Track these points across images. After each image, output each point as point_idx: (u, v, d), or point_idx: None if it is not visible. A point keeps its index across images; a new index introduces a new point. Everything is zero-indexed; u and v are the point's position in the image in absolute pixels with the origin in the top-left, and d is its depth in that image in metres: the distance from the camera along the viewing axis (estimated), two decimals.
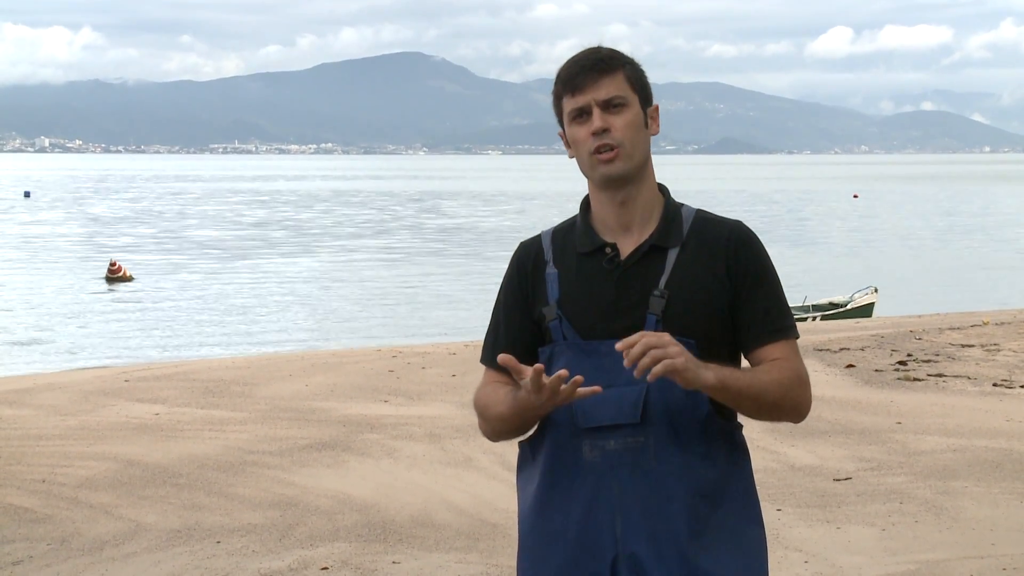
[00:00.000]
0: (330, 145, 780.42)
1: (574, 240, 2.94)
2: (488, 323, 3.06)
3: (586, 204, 2.97)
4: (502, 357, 2.75)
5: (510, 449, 8.46)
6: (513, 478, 3.16)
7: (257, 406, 10.74)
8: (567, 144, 2.94)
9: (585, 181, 2.95)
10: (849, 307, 24.83)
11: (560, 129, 2.96)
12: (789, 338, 2.89)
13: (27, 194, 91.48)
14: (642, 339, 2.66)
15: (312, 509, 7.41)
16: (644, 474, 2.82)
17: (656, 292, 2.84)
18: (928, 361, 12.56)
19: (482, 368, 3.04)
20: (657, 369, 2.64)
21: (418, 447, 9.00)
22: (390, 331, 24.26)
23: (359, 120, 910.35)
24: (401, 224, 60.02)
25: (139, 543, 6.78)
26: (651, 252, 2.88)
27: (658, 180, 2.99)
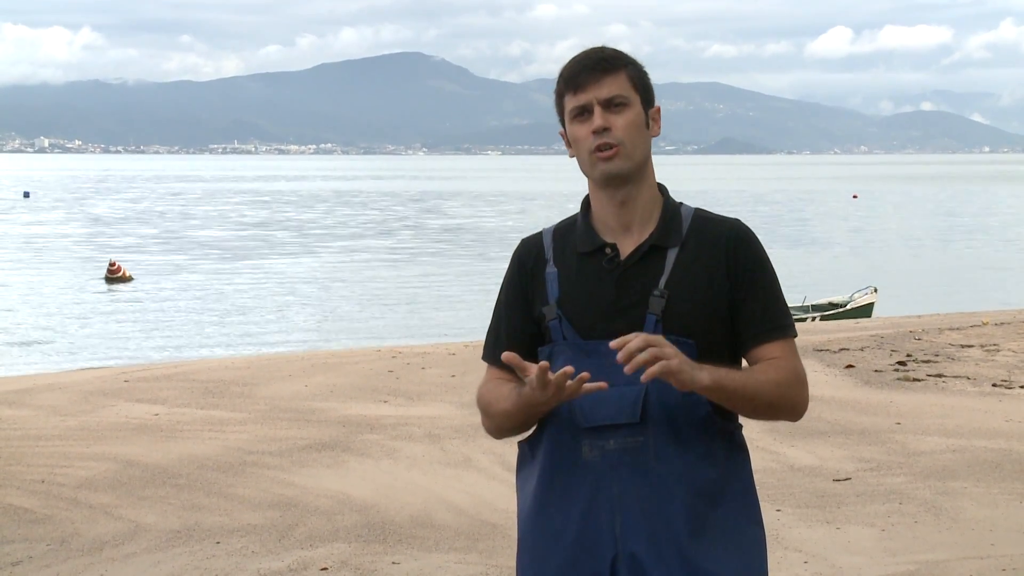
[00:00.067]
0: (330, 145, 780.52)
1: (574, 239, 2.94)
2: (489, 320, 3.06)
3: (587, 204, 2.98)
4: (506, 355, 2.75)
5: (509, 449, 8.45)
6: (512, 478, 3.16)
7: (257, 406, 10.74)
8: (568, 143, 2.94)
9: (586, 181, 2.96)
10: (849, 307, 24.83)
11: (561, 128, 2.96)
12: (787, 337, 2.89)
13: (26, 194, 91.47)
14: (640, 336, 2.67)
15: (312, 509, 7.41)
16: (644, 474, 2.82)
17: (656, 292, 2.84)
18: (928, 361, 12.56)
19: (482, 367, 3.04)
20: (652, 370, 2.64)
21: (418, 447, 9.00)
22: (390, 331, 24.27)
23: (359, 120, 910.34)
24: (401, 224, 60.02)
25: (139, 543, 6.78)
26: (651, 252, 2.88)
27: (657, 180, 2.99)
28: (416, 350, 15.35)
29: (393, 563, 6.39)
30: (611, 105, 2.86)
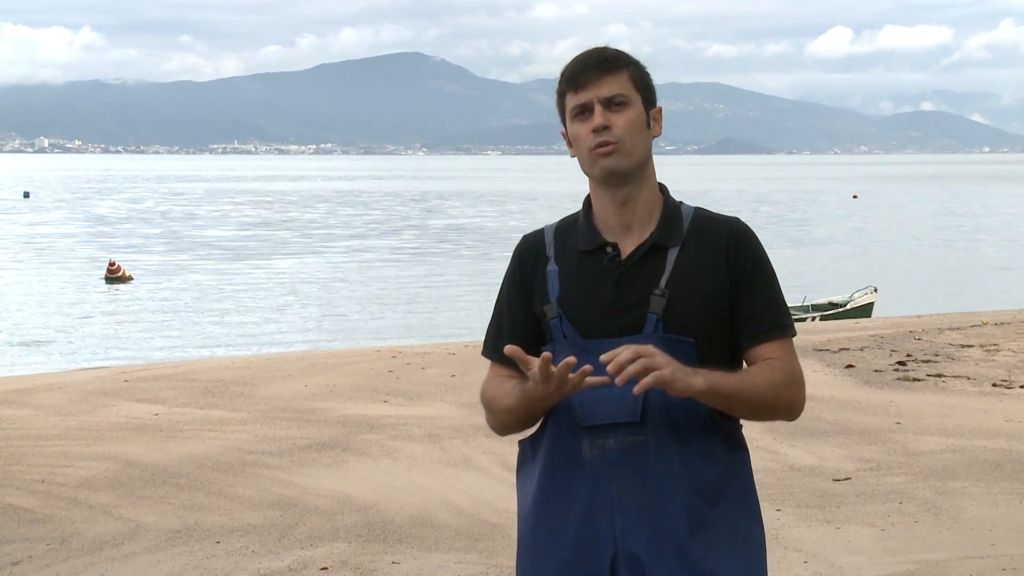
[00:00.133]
0: (329, 145, 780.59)
1: (575, 237, 2.94)
2: (490, 317, 3.06)
3: (588, 203, 2.98)
4: (509, 348, 2.74)
5: (509, 449, 8.44)
6: (512, 478, 3.16)
7: (257, 406, 10.74)
8: (569, 143, 2.94)
9: (587, 182, 2.96)
10: (848, 307, 24.82)
11: (563, 127, 2.96)
12: (786, 336, 2.89)
13: (26, 194, 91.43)
14: (629, 348, 2.67)
15: (312, 509, 7.41)
16: (644, 473, 2.82)
17: (657, 291, 2.84)
18: (927, 361, 12.56)
19: (482, 367, 3.04)
20: (645, 381, 2.65)
21: (418, 447, 9.00)
22: (390, 331, 24.27)
23: (358, 120, 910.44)
24: (402, 224, 60.01)
25: (138, 543, 6.78)
26: (651, 251, 2.88)
27: (658, 180, 2.99)
28: (416, 350, 15.35)
29: (393, 563, 6.39)
30: (612, 104, 2.86)
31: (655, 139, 2.96)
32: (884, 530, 6.80)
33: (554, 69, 2.98)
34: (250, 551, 6.61)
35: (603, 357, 2.67)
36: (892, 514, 7.09)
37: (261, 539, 6.82)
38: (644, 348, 2.68)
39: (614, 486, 2.83)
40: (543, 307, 2.92)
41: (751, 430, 2.97)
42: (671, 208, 2.94)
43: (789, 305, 3.00)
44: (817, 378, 11.59)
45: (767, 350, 2.87)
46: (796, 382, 2.87)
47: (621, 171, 2.87)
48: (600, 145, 2.85)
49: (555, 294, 2.91)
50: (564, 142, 2.97)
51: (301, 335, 23.88)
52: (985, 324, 15.93)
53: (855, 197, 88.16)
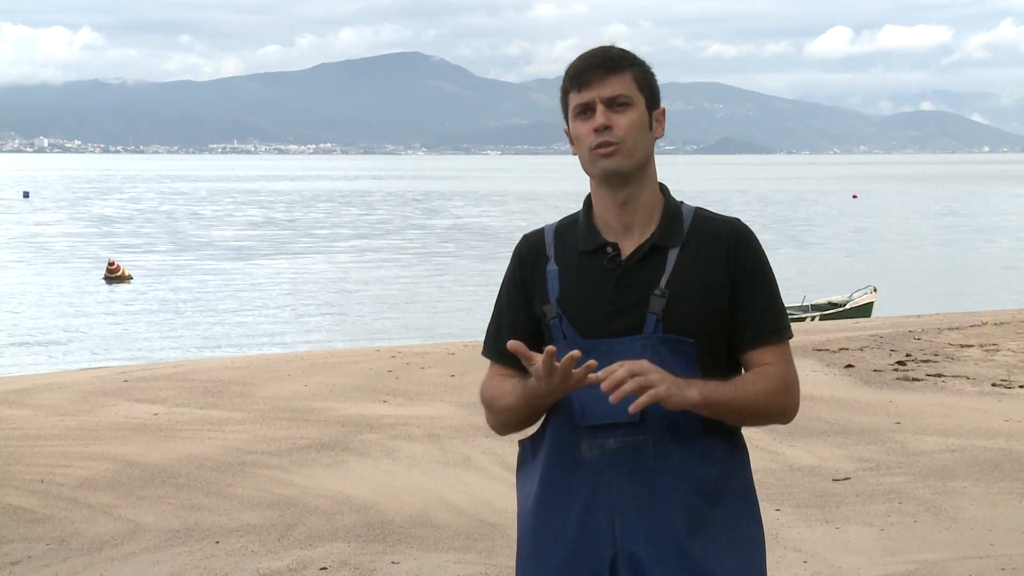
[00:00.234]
0: (329, 145, 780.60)
1: (576, 237, 2.94)
2: (490, 317, 3.06)
3: (588, 202, 2.98)
4: (512, 344, 2.73)
5: (509, 449, 8.45)
6: (512, 478, 3.16)
7: (256, 406, 10.74)
8: (571, 141, 2.94)
9: (588, 180, 2.96)
10: (848, 307, 24.82)
11: (566, 125, 2.96)
12: (783, 339, 2.90)
13: (26, 194, 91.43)
14: (623, 366, 2.67)
15: (311, 509, 7.41)
16: (643, 473, 2.82)
17: (657, 292, 2.84)
18: (927, 361, 12.56)
19: (481, 367, 3.04)
20: (641, 400, 2.66)
21: (417, 447, 9.00)
22: (389, 331, 24.27)
23: (358, 120, 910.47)
24: (401, 224, 60.01)
25: (138, 543, 6.78)
26: (652, 252, 2.88)
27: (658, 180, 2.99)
28: (415, 350, 15.35)
29: (392, 563, 6.39)
30: (614, 104, 2.86)
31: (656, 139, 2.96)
32: (883, 530, 6.80)
33: (554, 69, 3.00)
34: (249, 551, 6.61)
35: (599, 374, 2.68)
36: (891, 514, 7.09)
37: (260, 539, 6.82)
38: (639, 365, 2.68)
39: (614, 486, 2.83)
40: (543, 307, 2.91)
41: (750, 430, 2.97)
42: (672, 208, 2.94)
43: (789, 305, 3.00)
44: (817, 378, 11.59)
45: (763, 354, 2.87)
46: (790, 388, 2.88)
47: (622, 172, 2.87)
48: (601, 145, 2.85)
49: (555, 294, 2.91)
50: (564, 142, 2.97)
51: (301, 335, 23.88)
52: (985, 324, 15.93)
53: (855, 197, 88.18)
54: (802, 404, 8.09)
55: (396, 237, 50.77)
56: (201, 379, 12.33)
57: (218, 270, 36.33)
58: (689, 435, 2.84)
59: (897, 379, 11.56)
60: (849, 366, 12.36)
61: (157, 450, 8.97)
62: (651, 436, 2.82)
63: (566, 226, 2.99)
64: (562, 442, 2.88)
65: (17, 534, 7.00)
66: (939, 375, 11.71)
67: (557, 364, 2.69)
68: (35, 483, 8.09)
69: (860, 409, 10.16)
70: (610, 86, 2.86)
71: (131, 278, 32.91)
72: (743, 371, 2.91)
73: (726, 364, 2.88)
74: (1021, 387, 11.11)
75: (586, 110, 2.87)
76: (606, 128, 2.85)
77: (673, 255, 2.87)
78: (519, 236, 3.08)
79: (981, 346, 13.61)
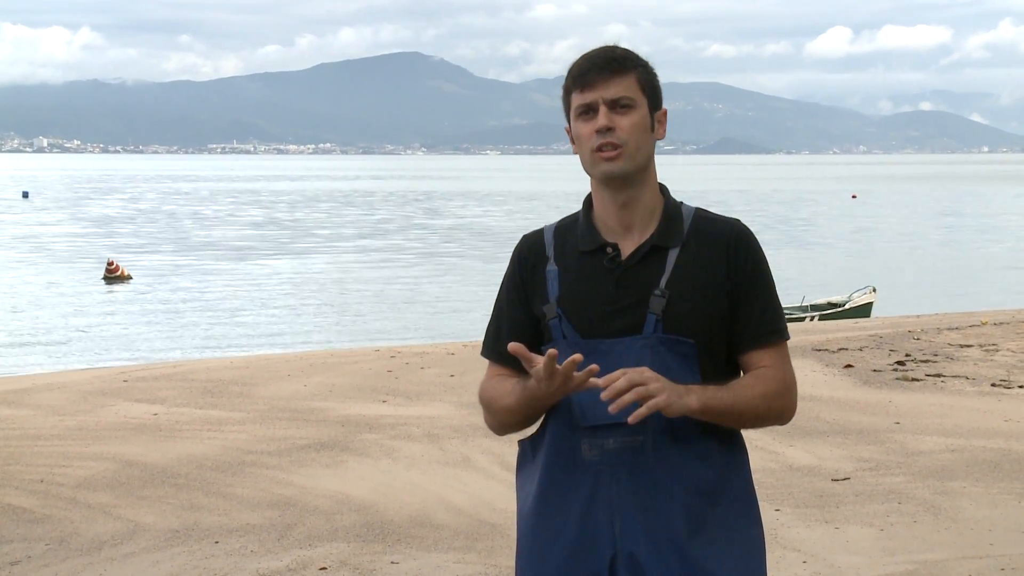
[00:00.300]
0: (328, 145, 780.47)
1: (576, 237, 2.94)
2: (490, 317, 3.06)
3: (589, 202, 2.98)
4: (513, 346, 2.73)
5: (508, 449, 8.45)
6: (512, 478, 3.17)
7: (256, 406, 10.74)
8: (572, 139, 2.94)
9: (588, 180, 2.96)
10: (847, 307, 24.81)
11: (567, 124, 2.96)
12: (781, 340, 2.91)
13: (25, 194, 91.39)
14: (625, 375, 2.67)
15: (311, 509, 7.41)
16: (643, 473, 2.82)
17: (657, 292, 2.84)
18: (926, 361, 12.57)
19: (481, 367, 3.04)
20: (640, 412, 2.67)
21: (417, 447, 9.00)
22: (389, 331, 24.26)
23: (357, 120, 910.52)
24: (401, 224, 60.00)
25: (137, 543, 6.78)
26: (652, 252, 2.88)
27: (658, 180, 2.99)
28: (415, 350, 15.35)
29: (392, 563, 6.39)
30: (617, 106, 2.86)
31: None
32: (883, 530, 6.80)
33: (553, 69, 3.01)
34: (249, 551, 6.61)
35: (600, 381, 2.68)
36: (891, 514, 7.09)
37: (260, 539, 6.82)
38: (640, 375, 2.69)
39: (613, 486, 2.83)
40: (543, 307, 2.92)
41: (750, 431, 2.98)
42: (672, 209, 2.94)
43: (788, 305, 3.01)
44: (816, 378, 11.60)
45: (762, 356, 2.88)
46: (788, 391, 2.89)
47: (623, 175, 2.87)
48: (603, 147, 2.85)
49: (555, 294, 2.91)
50: (564, 142, 2.97)
51: (300, 335, 23.88)
52: (984, 324, 15.93)
53: (854, 197, 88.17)
54: (801, 404, 8.08)
55: (397, 237, 50.77)
56: (201, 379, 12.33)
57: (218, 270, 36.32)
58: (688, 436, 2.84)
59: (896, 379, 11.56)
60: (848, 366, 12.36)
61: (157, 450, 8.97)
62: (651, 437, 2.83)
63: (566, 226, 2.99)
64: (562, 442, 2.89)
65: (17, 534, 7.00)
66: (939, 375, 11.71)
67: (558, 367, 2.69)
68: (35, 483, 8.09)
69: (859, 409, 10.16)
70: (613, 87, 2.86)
71: (131, 278, 32.90)
72: (741, 372, 2.92)
73: (725, 364, 2.88)
74: (1021, 387, 11.11)
75: (588, 111, 2.87)
76: (608, 130, 2.85)
77: (673, 255, 2.88)
78: (520, 236, 3.08)
79: (981, 346, 13.61)
